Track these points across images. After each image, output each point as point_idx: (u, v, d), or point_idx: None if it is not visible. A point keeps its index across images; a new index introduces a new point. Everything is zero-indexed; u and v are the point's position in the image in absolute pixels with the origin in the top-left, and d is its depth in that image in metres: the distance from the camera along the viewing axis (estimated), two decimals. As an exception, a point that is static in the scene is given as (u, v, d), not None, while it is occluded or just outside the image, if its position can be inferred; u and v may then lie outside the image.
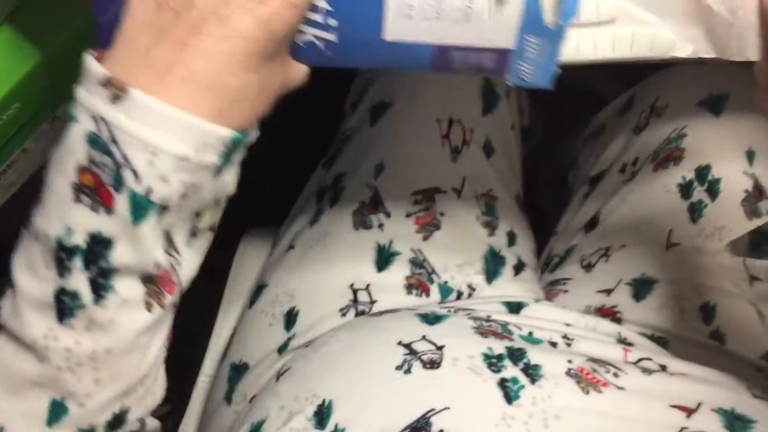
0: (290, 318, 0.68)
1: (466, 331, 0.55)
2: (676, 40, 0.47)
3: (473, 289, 0.71)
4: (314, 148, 0.84)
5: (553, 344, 0.56)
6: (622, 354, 0.56)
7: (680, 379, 0.52)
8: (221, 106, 0.37)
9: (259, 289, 0.74)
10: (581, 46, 0.47)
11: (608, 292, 0.71)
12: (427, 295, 0.69)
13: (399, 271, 0.69)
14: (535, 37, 0.41)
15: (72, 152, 0.37)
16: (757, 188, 0.70)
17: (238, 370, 0.70)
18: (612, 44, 0.48)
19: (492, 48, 0.42)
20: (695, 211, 0.70)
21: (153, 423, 0.47)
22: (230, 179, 0.42)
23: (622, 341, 0.61)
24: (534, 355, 0.51)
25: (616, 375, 0.51)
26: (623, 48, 0.48)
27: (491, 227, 0.73)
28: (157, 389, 0.46)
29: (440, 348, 0.51)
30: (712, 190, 0.70)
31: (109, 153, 0.36)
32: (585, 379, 0.49)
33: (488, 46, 0.42)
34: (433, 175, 0.73)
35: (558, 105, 0.97)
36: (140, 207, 0.37)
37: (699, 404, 0.48)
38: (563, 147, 1.05)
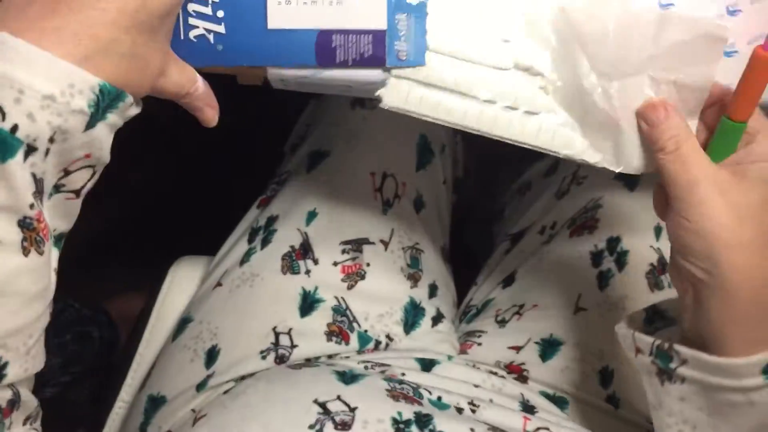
0: (212, 355, 0.70)
1: (379, 393, 0.56)
2: (589, 147, 0.52)
3: (391, 339, 0.74)
4: (251, 183, 0.86)
5: (459, 410, 0.58)
6: (522, 423, 0.59)
7: None
8: (88, 54, 0.39)
9: (183, 322, 0.75)
10: (514, 125, 0.51)
11: (518, 349, 0.75)
12: (347, 342, 0.72)
13: (321, 318, 0.71)
14: (403, 14, 0.48)
15: None
16: (661, 263, 0.75)
17: (155, 402, 0.71)
18: (537, 131, 0.52)
19: (367, 30, 0.48)
20: (603, 279, 0.74)
21: (29, 397, 0.44)
22: (103, 137, 0.42)
23: (525, 407, 0.64)
24: (440, 422, 0.53)
25: None
26: (546, 139, 0.52)
27: (414, 279, 0.76)
28: (38, 355, 0.44)
29: (353, 410, 0.53)
30: (620, 261, 0.75)
31: None
32: None
33: (363, 28, 0.48)
34: (363, 226, 0.75)
35: (492, 148, 1.01)
36: (6, 143, 0.38)
37: None
38: (495, 190, 1.08)
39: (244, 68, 0.60)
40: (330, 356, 0.71)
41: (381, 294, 0.74)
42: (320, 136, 0.80)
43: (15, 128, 0.38)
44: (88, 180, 0.44)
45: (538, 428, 0.58)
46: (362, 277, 0.73)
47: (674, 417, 0.50)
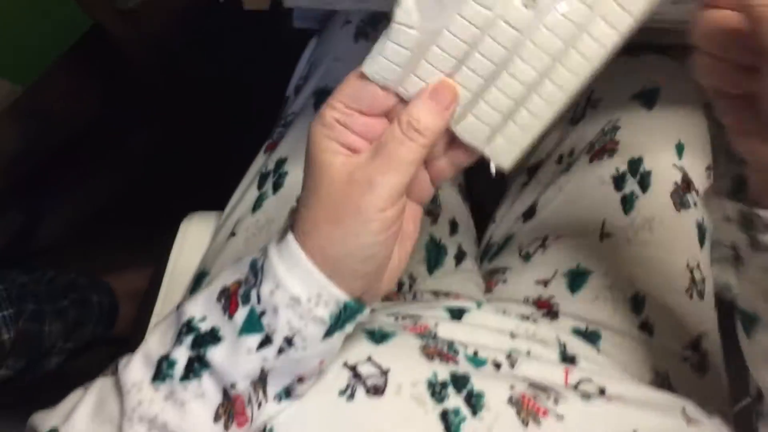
0: None
1: (412, 352, 0.54)
2: None
3: (414, 279, 0.71)
4: (255, 133, 0.83)
5: (497, 365, 0.56)
6: (563, 376, 0.57)
7: (617, 405, 0.53)
8: (344, 271, 0.42)
9: (200, 277, 0.72)
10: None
11: (545, 283, 0.73)
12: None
13: None
14: None
15: (240, 269, 0.45)
16: (685, 180, 0.73)
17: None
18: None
19: None
20: (627, 203, 0.72)
21: None
22: (337, 345, 0.45)
23: (564, 356, 0.62)
24: (477, 381, 0.51)
25: (556, 401, 0.51)
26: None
27: (434, 215, 0.74)
28: None
29: (385, 372, 0.50)
30: (644, 182, 0.73)
31: (255, 275, 0.43)
32: (525, 408, 0.50)
33: None
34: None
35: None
36: (251, 322, 0.43)
37: (634, 431, 0.50)
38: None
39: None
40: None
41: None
42: (325, 73, 0.77)
43: (263, 314, 0.42)
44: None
45: (581, 380, 0.56)
46: (380, 214, 0.70)
47: (755, 287, 0.47)
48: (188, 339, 0.44)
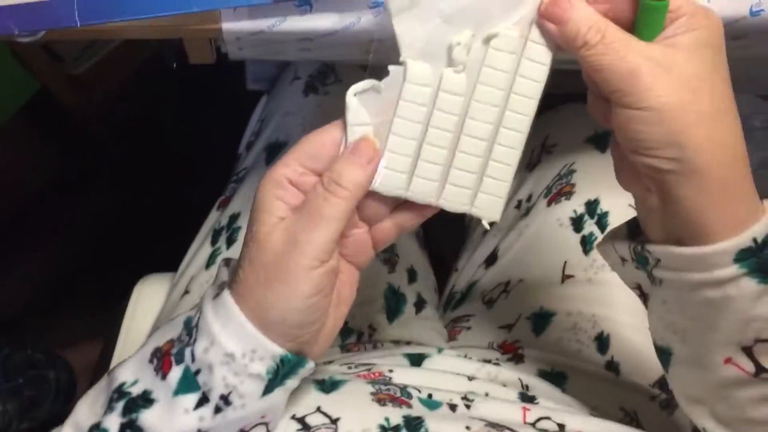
0: None
1: (363, 398, 0.51)
2: None
3: (374, 330, 0.70)
4: (208, 190, 0.82)
5: (453, 407, 0.54)
6: (521, 414, 0.54)
7: None
8: (276, 323, 0.41)
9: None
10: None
11: (509, 327, 0.72)
12: (328, 337, 0.67)
13: None
14: None
15: (174, 328, 0.44)
16: (643, 220, 0.73)
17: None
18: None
19: None
20: (587, 244, 0.71)
21: None
22: (280, 401, 0.44)
23: (524, 396, 0.60)
24: (432, 424, 0.49)
25: None
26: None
27: (391, 264, 0.73)
28: None
29: (335, 421, 0.48)
30: (601, 222, 0.72)
31: (189, 333, 0.43)
32: None
33: None
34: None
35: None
36: (186, 381, 0.41)
37: None
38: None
39: (195, 42, 0.56)
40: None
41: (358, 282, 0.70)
42: (276, 128, 0.77)
43: (198, 372, 0.41)
44: None
45: (539, 418, 0.53)
46: (336, 267, 0.69)
47: (661, 322, 0.47)
48: (119, 405, 0.43)
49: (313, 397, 0.51)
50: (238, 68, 1.11)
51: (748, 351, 0.41)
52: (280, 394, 0.43)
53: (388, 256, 0.73)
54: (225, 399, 0.41)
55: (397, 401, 0.52)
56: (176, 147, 1.22)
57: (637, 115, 0.40)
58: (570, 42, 0.41)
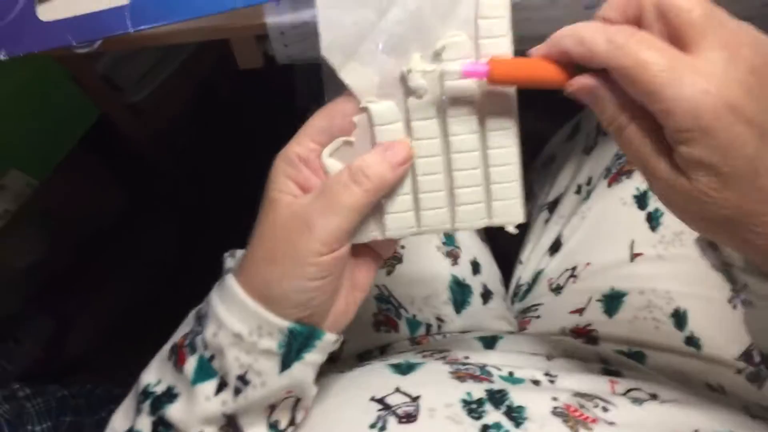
0: None
1: (442, 376, 0.51)
2: None
3: (442, 321, 0.69)
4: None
5: (536, 382, 0.52)
6: (609, 386, 0.53)
7: (673, 406, 0.48)
8: (282, 298, 0.41)
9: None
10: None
11: (580, 311, 0.70)
12: (396, 330, 0.67)
13: (366, 309, 0.67)
14: None
15: (187, 323, 0.46)
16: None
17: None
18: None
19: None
20: (653, 220, 0.69)
21: None
22: (304, 376, 0.44)
23: (608, 371, 0.58)
24: (516, 396, 0.47)
25: (605, 409, 0.47)
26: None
27: (453, 257, 0.72)
28: None
29: (415, 399, 0.47)
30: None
31: (199, 323, 0.44)
32: (572, 417, 0.45)
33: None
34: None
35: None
36: (202, 369, 0.42)
37: (695, 431, 0.45)
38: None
39: (243, 45, 0.58)
40: (382, 349, 0.67)
41: (422, 275, 0.70)
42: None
43: (212, 358, 0.42)
44: (294, 408, 0.46)
45: (629, 389, 0.52)
46: (399, 261, 0.69)
47: (760, 335, 0.45)
48: (146, 405, 0.44)
49: (391, 379, 0.50)
50: (288, 88, 1.14)
51: None
52: (301, 368, 0.43)
53: (450, 248, 0.72)
54: (242, 379, 0.42)
55: (477, 378, 0.51)
56: (233, 173, 1.25)
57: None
58: (589, 55, 0.36)
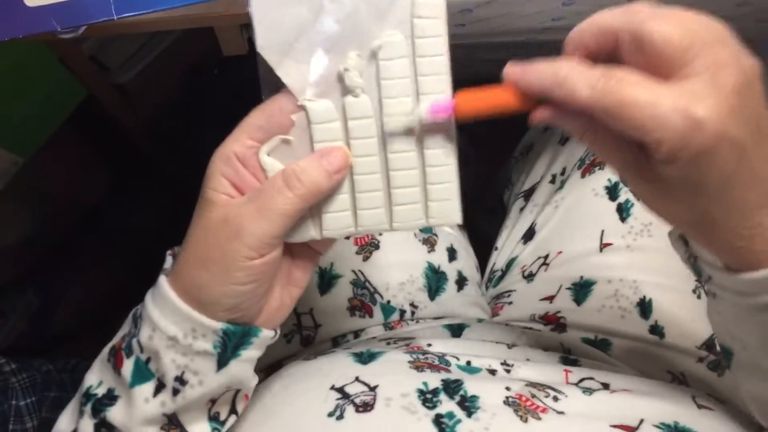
0: None
1: (401, 366, 0.52)
2: None
3: (416, 307, 0.71)
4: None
5: (492, 372, 0.54)
6: (563, 376, 0.54)
7: (622, 396, 0.50)
8: (213, 301, 0.42)
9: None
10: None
11: (551, 299, 0.72)
12: (371, 315, 0.69)
13: (341, 294, 0.69)
14: None
15: (126, 324, 0.47)
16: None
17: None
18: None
19: None
20: (623, 211, 0.71)
21: None
22: (242, 372, 0.44)
23: (566, 360, 0.60)
24: (471, 385, 0.49)
25: (556, 399, 0.48)
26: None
27: (430, 244, 0.74)
28: None
29: (374, 388, 0.48)
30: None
31: (135, 324, 0.44)
32: (523, 407, 0.47)
33: None
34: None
35: (490, 137, 1.00)
36: (139, 371, 0.43)
37: (641, 421, 0.46)
38: (498, 175, 1.07)
39: (227, 32, 0.59)
40: (356, 333, 0.69)
41: (398, 262, 0.72)
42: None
43: (149, 361, 0.42)
44: (239, 404, 0.47)
45: (582, 378, 0.54)
46: (376, 247, 0.71)
47: (719, 327, 0.46)
48: (88, 408, 0.44)
49: (352, 368, 0.51)
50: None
51: None
52: (238, 365, 0.43)
53: (428, 236, 0.74)
54: (180, 380, 0.42)
55: (435, 368, 0.52)
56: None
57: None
58: (570, 96, 0.36)
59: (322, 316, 0.68)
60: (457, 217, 0.45)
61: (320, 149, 0.42)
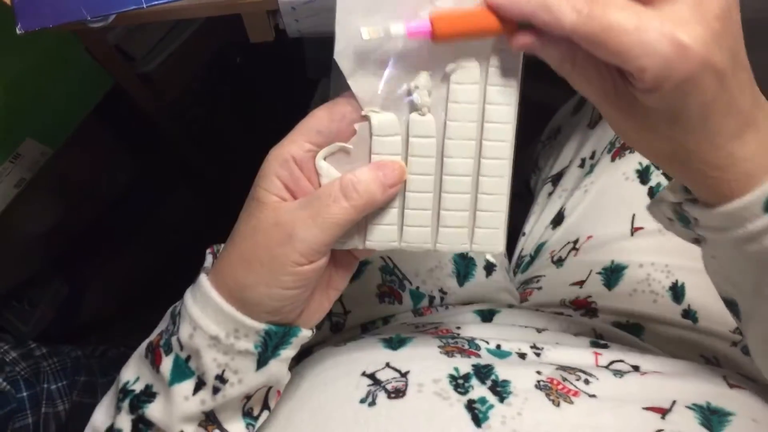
0: None
1: (431, 351, 0.52)
2: None
3: (445, 293, 0.71)
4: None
5: (522, 356, 0.53)
6: (593, 359, 0.54)
7: (653, 378, 0.50)
8: (259, 301, 0.42)
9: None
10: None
11: (581, 283, 0.72)
12: (399, 302, 0.69)
13: (371, 280, 0.69)
14: None
15: (164, 321, 0.47)
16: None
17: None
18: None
19: None
20: (654, 195, 0.70)
21: None
22: (279, 371, 0.45)
23: (596, 344, 0.59)
24: (502, 370, 0.49)
25: (587, 382, 0.48)
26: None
27: (458, 229, 0.74)
28: None
29: (404, 374, 0.48)
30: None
31: (174, 322, 0.44)
32: (555, 390, 0.47)
33: None
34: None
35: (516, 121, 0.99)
36: (179, 369, 0.42)
37: (673, 403, 0.46)
38: (525, 160, 1.06)
39: (254, 19, 0.59)
40: (386, 319, 0.69)
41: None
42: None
43: (189, 359, 0.42)
44: (267, 395, 0.47)
45: (613, 361, 0.53)
46: (405, 233, 0.70)
47: (717, 276, 0.46)
48: (126, 404, 0.44)
49: (382, 354, 0.51)
50: (299, 60, 1.14)
51: None
52: (276, 364, 0.44)
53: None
54: (220, 378, 0.42)
55: (465, 352, 0.52)
56: (245, 142, 1.26)
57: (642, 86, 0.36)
58: (554, 23, 0.35)
59: (352, 303, 0.68)
60: (501, 246, 0.46)
61: (377, 161, 0.42)
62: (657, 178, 0.71)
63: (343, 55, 0.41)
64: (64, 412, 0.96)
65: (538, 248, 0.80)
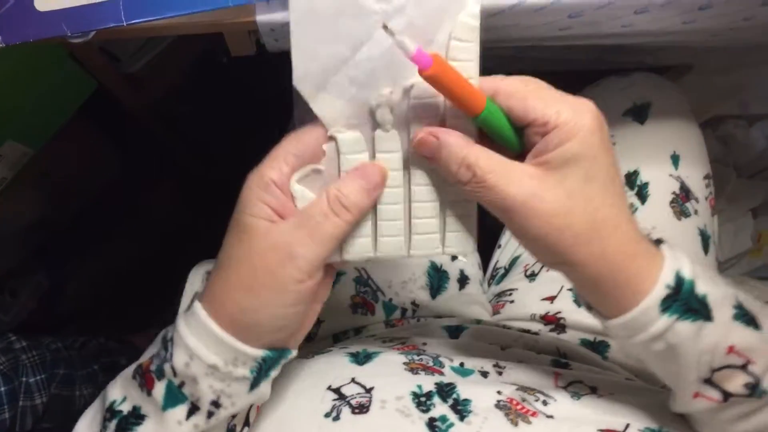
0: None
1: (395, 368, 0.53)
2: None
3: (417, 306, 0.72)
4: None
5: (484, 374, 0.54)
6: (553, 379, 0.55)
7: (609, 400, 0.51)
8: (259, 335, 0.42)
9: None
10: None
11: (551, 299, 0.73)
12: (372, 313, 0.70)
13: (344, 291, 0.70)
14: None
15: (155, 344, 0.47)
16: (684, 189, 0.73)
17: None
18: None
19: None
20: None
21: None
22: (266, 389, 0.46)
23: (558, 363, 0.61)
24: (463, 389, 0.50)
25: (545, 403, 0.49)
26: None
27: (433, 243, 0.74)
28: None
29: (369, 390, 0.49)
30: (642, 193, 0.73)
31: (165, 348, 0.43)
32: (514, 410, 0.48)
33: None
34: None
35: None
36: (172, 395, 0.42)
37: (627, 426, 0.47)
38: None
39: (236, 36, 0.59)
40: (357, 330, 0.70)
41: (401, 260, 0.72)
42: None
43: (182, 385, 0.42)
44: (248, 412, 0.48)
45: (571, 382, 0.55)
46: (380, 245, 0.71)
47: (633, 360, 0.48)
48: (112, 424, 0.44)
49: (348, 369, 0.52)
50: (285, 58, 1.14)
51: (709, 382, 0.42)
52: (265, 384, 0.45)
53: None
54: (215, 403, 0.43)
55: (429, 369, 0.53)
56: (230, 140, 1.27)
57: (523, 243, 0.43)
58: (446, 176, 0.43)
59: (325, 312, 0.68)
60: (470, 248, 0.47)
61: (356, 168, 0.43)
62: (631, 198, 0.72)
63: (302, 80, 0.41)
64: (41, 404, 0.96)
65: (513, 261, 0.81)
